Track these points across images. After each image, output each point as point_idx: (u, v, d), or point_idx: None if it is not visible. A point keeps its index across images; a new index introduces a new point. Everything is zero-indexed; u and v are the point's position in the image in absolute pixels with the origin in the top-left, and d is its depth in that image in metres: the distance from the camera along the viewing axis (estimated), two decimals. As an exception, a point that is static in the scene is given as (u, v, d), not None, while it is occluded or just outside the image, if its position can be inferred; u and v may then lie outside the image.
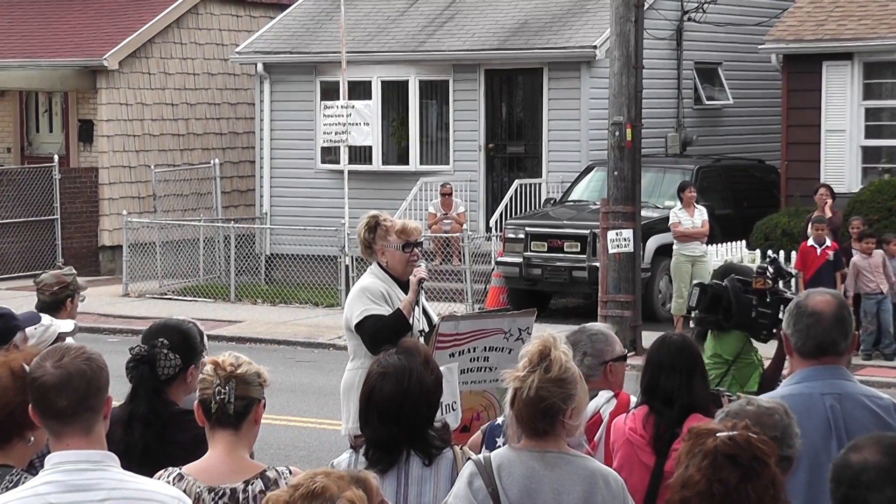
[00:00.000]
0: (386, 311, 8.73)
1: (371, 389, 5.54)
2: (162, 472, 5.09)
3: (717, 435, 3.92)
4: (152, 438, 5.72)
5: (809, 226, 19.33)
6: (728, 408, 4.69)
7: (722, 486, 3.84)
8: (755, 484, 3.86)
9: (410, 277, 8.79)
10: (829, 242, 18.82)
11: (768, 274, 8.59)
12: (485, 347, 8.32)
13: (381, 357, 5.68)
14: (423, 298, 8.90)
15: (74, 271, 8.86)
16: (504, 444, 6.25)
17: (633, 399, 6.60)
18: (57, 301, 8.48)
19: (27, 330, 6.96)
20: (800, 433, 4.68)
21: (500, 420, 6.68)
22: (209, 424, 5.14)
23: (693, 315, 8.58)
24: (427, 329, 8.64)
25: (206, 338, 6.13)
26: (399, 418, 5.50)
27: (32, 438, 4.83)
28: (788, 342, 5.45)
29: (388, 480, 5.50)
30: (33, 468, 4.97)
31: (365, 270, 9.20)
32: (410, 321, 8.67)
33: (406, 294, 8.79)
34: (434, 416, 5.65)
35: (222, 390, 5.08)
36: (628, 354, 7.17)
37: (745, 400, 4.75)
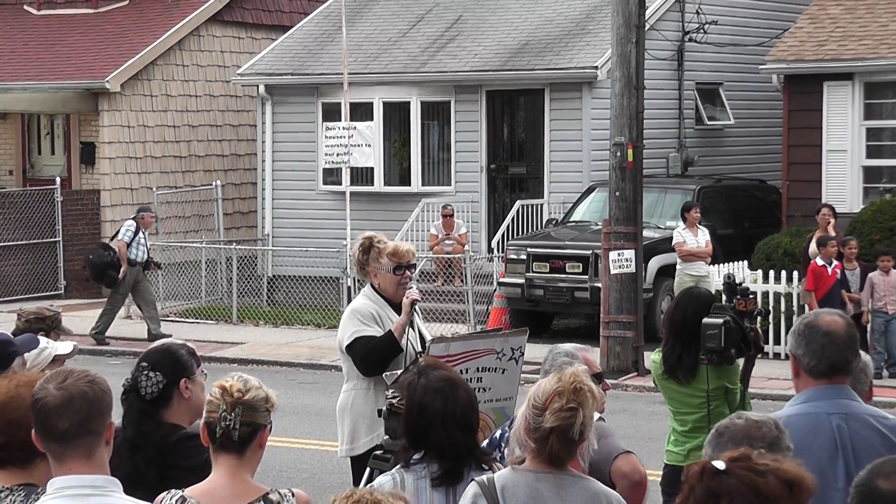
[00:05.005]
0: (377, 332, 8.70)
1: (444, 404, 5.54)
2: (164, 494, 5.07)
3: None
4: (142, 462, 5.72)
5: (812, 245, 19.32)
6: (719, 423, 4.72)
7: None
8: None
9: (403, 299, 8.76)
10: (836, 262, 18.83)
11: (749, 295, 8.68)
12: (477, 368, 8.28)
13: (422, 374, 5.67)
14: (417, 320, 8.88)
15: (60, 312, 8.69)
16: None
17: (595, 415, 6.58)
18: (29, 331, 8.23)
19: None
20: (792, 448, 4.67)
21: None
22: (213, 447, 5.13)
23: (712, 356, 8.39)
24: (422, 350, 8.62)
25: (193, 351, 6.04)
26: (472, 425, 5.53)
27: None
28: (797, 362, 5.44)
29: (437, 494, 5.49)
30: None
31: (366, 292, 9.18)
32: (402, 343, 8.64)
33: (399, 315, 8.77)
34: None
35: (228, 416, 5.06)
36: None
37: (735, 414, 4.76)
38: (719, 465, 3.80)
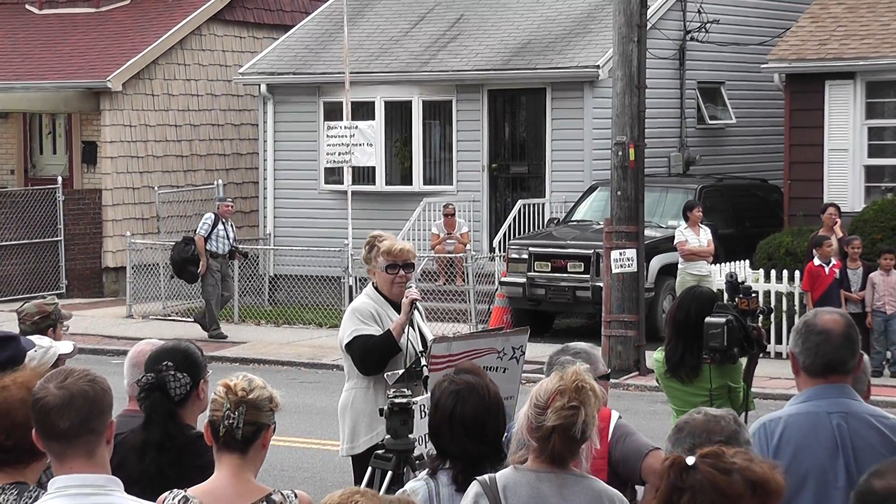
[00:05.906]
0: (376, 331, 8.67)
1: (453, 407, 5.55)
2: (167, 493, 5.07)
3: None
4: (167, 464, 5.71)
5: (816, 245, 19.24)
6: (679, 418, 4.73)
7: None
8: None
9: (403, 299, 8.75)
10: (834, 261, 18.82)
11: (752, 293, 8.68)
12: None
13: (447, 378, 5.67)
14: (419, 319, 8.85)
15: (57, 301, 8.71)
16: None
17: (615, 414, 6.58)
18: (38, 331, 8.27)
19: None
20: (751, 442, 4.69)
21: None
22: (216, 446, 5.13)
23: (715, 355, 8.38)
24: (423, 349, 8.61)
25: (202, 351, 6.12)
26: (484, 433, 5.51)
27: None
28: (796, 361, 5.45)
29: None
30: (41, 486, 4.97)
31: (369, 291, 9.17)
32: (401, 342, 8.62)
33: (400, 314, 8.75)
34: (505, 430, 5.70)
35: (231, 415, 5.05)
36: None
37: (695, 409, 4.78)
38: (690, 460, 3.80)
